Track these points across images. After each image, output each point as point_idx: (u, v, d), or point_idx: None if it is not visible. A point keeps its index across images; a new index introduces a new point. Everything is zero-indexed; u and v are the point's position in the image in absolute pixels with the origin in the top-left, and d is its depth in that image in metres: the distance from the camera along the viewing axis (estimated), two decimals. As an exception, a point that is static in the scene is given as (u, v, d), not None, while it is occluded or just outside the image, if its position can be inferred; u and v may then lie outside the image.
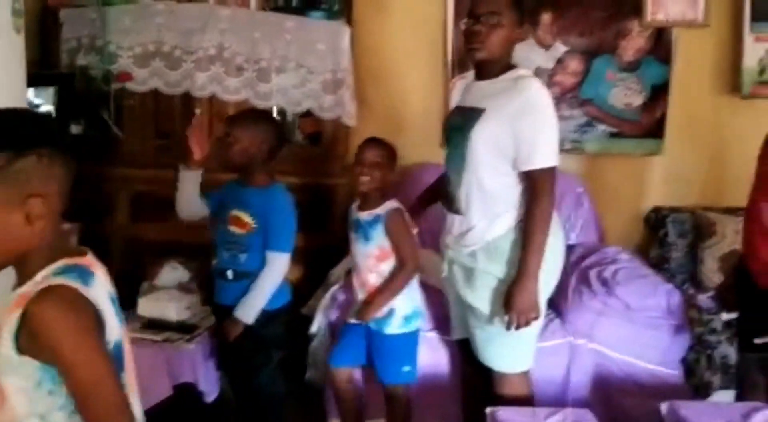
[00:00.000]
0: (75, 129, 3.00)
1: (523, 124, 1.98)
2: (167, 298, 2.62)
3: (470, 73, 2.24)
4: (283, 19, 3.02)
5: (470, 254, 2.16)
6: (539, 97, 2.02)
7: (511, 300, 2.02)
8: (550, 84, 3.44)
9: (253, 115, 2.41)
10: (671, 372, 2.70)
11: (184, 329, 2.57)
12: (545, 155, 2.01)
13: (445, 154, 2.26)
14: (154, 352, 2.38)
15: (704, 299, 2.97)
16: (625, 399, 2.68)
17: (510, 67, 2.10)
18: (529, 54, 3.42)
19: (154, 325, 2.55)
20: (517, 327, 2.04)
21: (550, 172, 2.02)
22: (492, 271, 2.12)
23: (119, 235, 3.10)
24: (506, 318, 2.05)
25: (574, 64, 3.44)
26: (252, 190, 2.25)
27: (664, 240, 3.31)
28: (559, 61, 3.44)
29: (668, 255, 3.27)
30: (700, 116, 3.45)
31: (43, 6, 3.01)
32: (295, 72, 3.02)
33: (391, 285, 2.28)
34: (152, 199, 3.05)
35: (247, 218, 2.24)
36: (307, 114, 3.11)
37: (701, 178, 3.47)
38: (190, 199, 2.27)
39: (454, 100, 2.29)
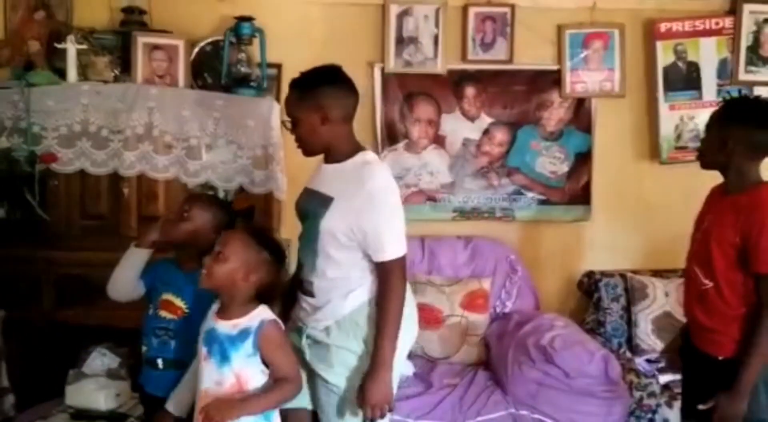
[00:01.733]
0: (-1, 212, 2.90)
1: (370, 218, 1.96)
2: (96, 387, 2.51)
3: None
4: (213, 97, 3.02)
5: (324, 330, 2.07)
6: (382, 188, 2.00)
7: (367, 394, 1.96)
8: (478, 154, 3.54)
9: (215, 201, 2.29)
10: (612, 439, 2.70)
11: (114, 418, 2.46)
12: (393, 246, 2.00)
13: (298, 235, 2.18)
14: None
15: (641, 362, 3.00)
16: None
17: (357, 149, 2.07)
18: (456, 125, 3.53)
19: (83, 416, 2.44)
20: (372, 420, 1.99)
21: (400, 260, 2.01)
22: (347, 347, 2.05)
23: (44, 321, 2.96)
24: (360, 412, 1.99)
25: (500, 135, 3.55)
26: (186, 274, 2.11)
27: (598, 304, 3.37)
28: (485, 132, 3.55)
29: (603, 320, 3.32)
30: (623, 182, 3.59)
31: (-36, 88, 2.94)
32: (225, 148, 3.00)
33: (265, 396, 1.89)
34: (79, 281, 2.94)
35: (179, 302, 2.12)
36: (240, 190, 3.09)
37: (629, 243, 3.58)
38: (128, 278, 2.14)
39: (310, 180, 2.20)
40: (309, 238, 2.08)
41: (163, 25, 3.25)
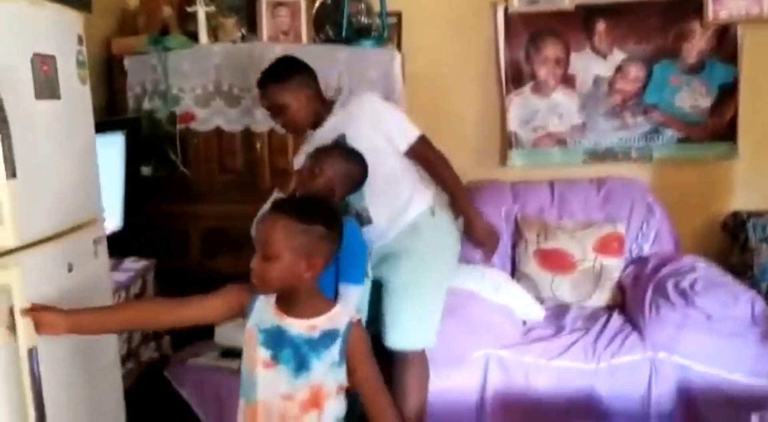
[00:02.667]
0: (145, 170, 3.11)
1: (381, 115, 2.29)
2: (241, 328, 2.66)
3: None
4: (335, 50, 3.06)
5: (391, 241, 2.29)
6: (369, 95, 2.38)
7: (476, 240, 2.37)
8: (610, 92, 3.38)
9: (342, 152, 2.25)
10: (760, 382, 2.54)
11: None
12: (412, 126, 2.33)
13: None
14: (232, 380, 2.41)
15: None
16: (712, 412, 2.55)
17: (331, 105, 2.38)
18: (586, 64, 3.37)
19: (230, 353, 2.58)
20: (492, 254, 2.45)
21: (424, 138, 2.34)
22: (413, 248, 2.27)
23: (193, 270, 3.17)
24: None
25: (635, 71, 3.36)
26: None
27: (745, 246, 3.16)
28: (618, 69, 3.37)
29: (750, 262, 3.11)
30: (774, 115, 3.31)
31: (108, 55, 3.15)
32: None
33: None
34: (222, 233, 3.13)
35: None
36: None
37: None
38: None
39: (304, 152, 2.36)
40: None
41: (286, -19, 3.31)
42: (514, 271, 3.21)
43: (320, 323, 1.56)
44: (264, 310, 1.58)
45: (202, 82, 3.07)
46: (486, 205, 3.20)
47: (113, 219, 2.63)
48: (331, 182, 2.14)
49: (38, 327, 1.49)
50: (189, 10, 3.14)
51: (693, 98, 3.35)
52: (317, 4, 3.26)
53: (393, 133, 2.30)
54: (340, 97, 2.46)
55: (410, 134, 2.32)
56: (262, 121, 3.02)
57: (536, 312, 2.89)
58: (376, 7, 3.24)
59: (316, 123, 2.37)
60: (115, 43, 3.17)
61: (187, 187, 3.14)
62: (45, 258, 1.63)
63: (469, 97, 3.47)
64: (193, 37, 3.14)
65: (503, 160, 3.47)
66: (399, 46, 3.38)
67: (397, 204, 2.28)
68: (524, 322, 2.86)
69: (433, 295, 2.33)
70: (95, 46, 3.11)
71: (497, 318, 2.73)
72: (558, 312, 2.98)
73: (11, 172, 1.39)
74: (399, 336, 2.28)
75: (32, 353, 1.48)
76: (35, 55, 1.56)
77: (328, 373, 1.55)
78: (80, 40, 1.79)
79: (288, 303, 1.57)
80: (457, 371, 2.64)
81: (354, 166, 2.19)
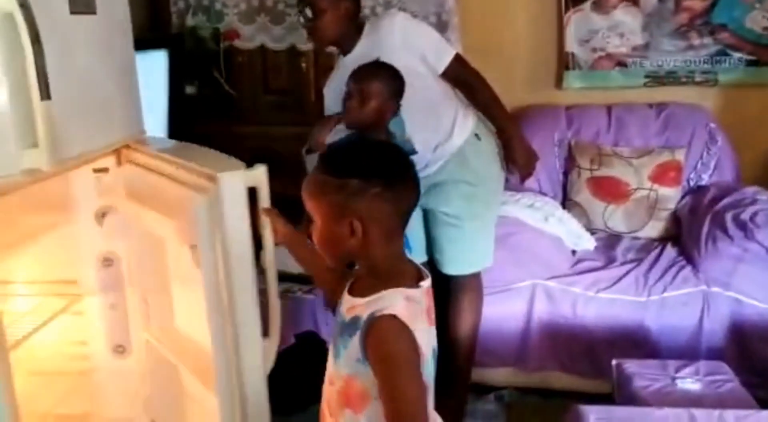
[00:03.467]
0: (189, 89, 3.06)
1: (412, 38, 2.17)
2: (287, 253, 2.67)
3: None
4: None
5: (437, 170, 2.24)
6: (397, 15, 2.23)
7: (513, 162, 2.27)
8: (677, 10, 3.15)
9: (389, 69, 2.09)
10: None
11: (304, 280, 2.59)
12: (445, 48, 2.23)
13: None
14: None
15: None
16: (764, 349, 2.46)
17: (361, 27, 2.22)
18: (652, -23, 3.14)
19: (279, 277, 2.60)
20: (530, 175, 2.33)
21: (459, 56, 2.23)
22: (463, 178, 2.23)
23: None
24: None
25: (704, -13, 3.12)
26: None
27: (813, 177, 3.00)
28: (687, -16, 3.13)
29: (818, 195, 2.95)
30: None
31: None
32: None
33: None
34: (267, 155, 3.08)
35: None
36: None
37: None
38: None
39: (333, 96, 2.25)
40: None
41: None
42: (565, 200, 3.11)
43: (357, 306, 1.25)
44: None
45: (247, -4, 2.98)
46: (538, 130, 3.09)
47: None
48: (381, 107, 2.04)
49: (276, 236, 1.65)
50: None
51: (766, 19, 3.11)
52: None
53: (427, 53, 2.18)
54: (370, 19, 2.35)
55: (446, 54, 2.21)
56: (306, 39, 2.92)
57: (587, 243, 2.81)
58: None
59: (345, 47, 2.24)
60: (158, -45, 3.08)
61: (232, 106, 3.10)
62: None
63: (525, 15, 3.28)
64: (237, -52, 3.03)
65: (559, 82, 3.31)
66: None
67: (440, 131, 2.22)
68: (574, 252, 2.79)
69: (485, 221, 2.34)
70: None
71: (546, 248, 2.66)
72: (609, 243, 2.89)
73: (46, 94, 1.35)
74: (454, 263, 2.33)
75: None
76: (68, -34, 1.49)
77: (355, 368, 1.23)
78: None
79: (359, 277, 1.33)
80: (504, 299, 2.61)
81: (400, 84, 2.08)
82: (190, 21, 3.01)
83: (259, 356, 1.65)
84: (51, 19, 1.42)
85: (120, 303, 1.98)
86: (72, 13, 1.51)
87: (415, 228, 2.24)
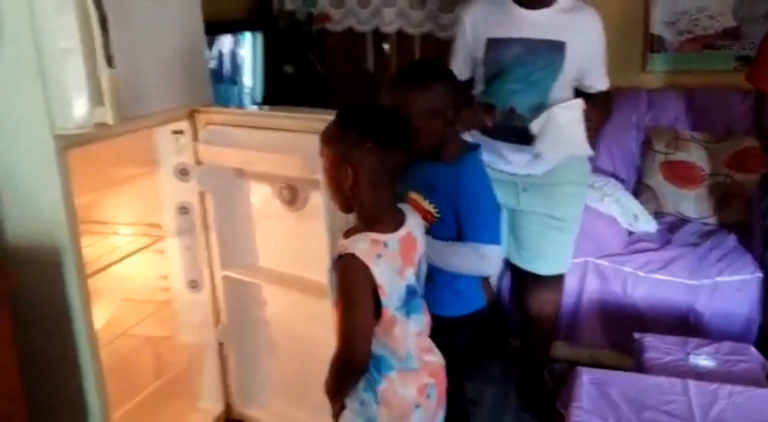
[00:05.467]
0: (288, 69, 3.37)
1: (599, 55, 2.17)
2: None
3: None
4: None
5: (546, 173, 2.19)
6: (599, 19, 2.15)
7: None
8: (772, -8, 3.03)
9: (429, 73, 1.76)
10: None
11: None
12: (606, 78, 2.24)
13: (497, 87, 2.11)
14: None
15: None
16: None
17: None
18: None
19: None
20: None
21: (610, 92, 2.27)
22: (574, 181, 2.23)
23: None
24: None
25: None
26: (436, 165, 1.73)
27: None
28: (784, -35, 3.00)
29: None
30: None
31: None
32: None
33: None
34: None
35: (427, 205, 1.76)
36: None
37: None
38: None
39: (476, 26, 2.14)
40: (537, 86, 2.09)
41: None
42: (639, 183, 3.11)
43: (340, 245, 1.49)
44: None
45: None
46: (616, 113, 3.08)
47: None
48: (430, 128, 1.70)
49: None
50: None
51: None
52: None
53: (594, 71, 2.17)
54: None
55: (604, 82, 2.24)
56: (390, 22, 3.14)
57: (646, 224, 2.82)
58: None
59: None
60: (265, -55, 3.41)
61: (325, 86, 3.37)
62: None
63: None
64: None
65: (644, 65, 3.29)
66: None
67: (570, 138, 2.08)
68: (632, 233, 2.81)
69: (578, 227, 2.35)
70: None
71: (599, 227, 2.70)
72: (674, 227, 2.88)
73: (109, 62, 1.68)
74: (546, 264, 2.36)
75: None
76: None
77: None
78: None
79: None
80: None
81: (445, 89, 1.73)
82: (288, 5, 3.32)
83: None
84: (121, 2, 1.75)
85: (193, 245, 2.32)
86: (141, -2, 1.84)
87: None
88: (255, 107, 2.98)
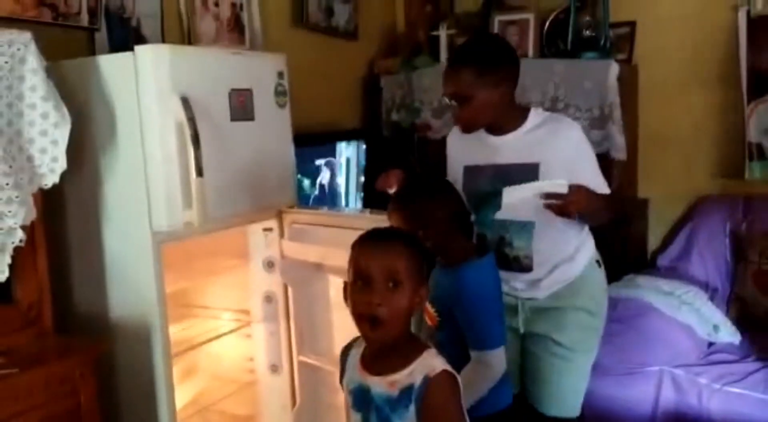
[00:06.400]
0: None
1: (584, 165, 1.95)
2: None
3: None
4: (553, 63, 3.24)
5: (551, 296, 2.02)
6: (577, 130, 1.96)
7: (573, 193, 1.81)
8: None
9: (424, 191, 1.85)
10: None
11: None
12: (603, 184, 1.98)
13: (483, 217, 1.99)
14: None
15: None
16: None
17: (525, 111, 1.99)
18: None
19: None
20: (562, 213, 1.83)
21: (613, 196, 2.03)
22: (582, 306, 2.00)
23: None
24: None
25: None
26: (441, 270, 1.76)
27: None
28: None
29: None
30: None
31: (371, 74, 3.79)
32: (563, 111, 3.20)
33: None
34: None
35: (431, 309, 1.82)
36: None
37: None
38: None
39: (456, 152, 2.15)
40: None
41: (520, 1, 3.58)
42: (731, 292, 3.02)
43: (400, 378, 1.36)
44: (351, 366, 1.47)
45: (438, 96, 3.51)
46: (710, 220, 3.10)
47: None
48: (436, 236, 1.75)
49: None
50: (433, 33, 3.62)
51: None
52: (550, 19, 3.47)
53: (582, 180, 1.88)
54: (540, 111, 2.03)
55: (601, 188, 1.97)
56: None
57: (728, 335, 2.74)
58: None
59: (497, 128, 1.98)
60: (377, 64, 3.80)
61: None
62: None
63: (705, 106, 3.33)
64: (436, 56, 3.62)
65: (740, 172, 3.25)
66: (630, 57, 3.40)
67: (565, 253, 2.00)
68: (712, 343, 2.73)
69: (591, 357, 2.08)
70: (361, 66, 3.80)
71: (675, 335, 2.68)
72: (760, 339, 2.76)
73: (199, 172, 2.02)
74: (556, 402, 2.06)
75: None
76: (232, 90, 2.19)
77: None
78: (280, 76, 2.39)
79: (378, 356, 1.42)
80: (632, 381, 2.68)
81: (448, 203, 1.84)
82: (394, 116, 3.65)
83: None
84: (213, 124, 2.12)
85: (276, 331, 2.60)
86: (232, 120, 2.20)
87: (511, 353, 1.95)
88: (344, 209, 3.28)
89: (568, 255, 2.00)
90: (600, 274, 2.07)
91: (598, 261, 2.07)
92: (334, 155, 3.37)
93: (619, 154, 3.11)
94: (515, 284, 2.03)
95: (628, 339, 2.61)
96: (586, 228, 2.06)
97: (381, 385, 1.38)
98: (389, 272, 1.35)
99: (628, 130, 3.17)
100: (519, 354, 2.09)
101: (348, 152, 3.49)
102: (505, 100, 1.95)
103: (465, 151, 2.08)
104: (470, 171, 2.05)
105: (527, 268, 1.98)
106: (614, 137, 3.12)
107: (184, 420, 2.40)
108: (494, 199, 1.90)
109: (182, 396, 2.46)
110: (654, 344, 2.66)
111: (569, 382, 2.04)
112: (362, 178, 3.51)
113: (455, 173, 2.11)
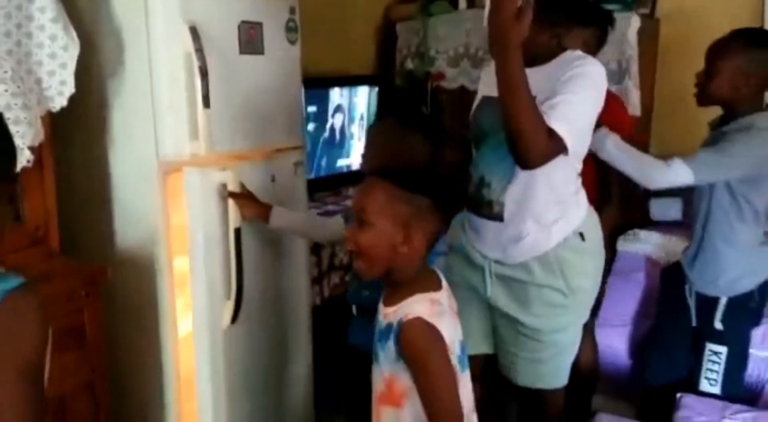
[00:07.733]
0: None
1: (562, 88, 1.71)
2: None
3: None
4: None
5: (521, 266, 1.88)
6: (588, 72, 1.75)
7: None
8: None
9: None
10: None
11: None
12: (560, 118, 1.67)
13: (478, 154, 1.94)
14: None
15: None
16: None
17: (561, 50, 1.84)
18: None
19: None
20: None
21: (557, 140, 1.66)
22: (551, 284, 1.86)
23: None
24: None
25: None
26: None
27: None
28: None
29: None
30: None
31: (387, 21, 3.74)
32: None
33: None
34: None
35: None
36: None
37: None
38: None
39: (483, 82, 2.04)
40: (502, 152, 1.75)
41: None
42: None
43: (389, 313, 1.45)
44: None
45: (454, 44, 3.49)
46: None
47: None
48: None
49: (242, 212, 2.07)
50: (453, -22, 3.57)
51: None
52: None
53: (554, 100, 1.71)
54: (571, 52, 1.84)
55: (552, 113, 1.71)
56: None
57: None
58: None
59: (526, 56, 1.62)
60: (393, 9, 3.74)
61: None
62: (252, 167, 2.27)
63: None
64: (455, 3, 3.56)
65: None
66: (653, 12, 3.33)
67: (540, 217, 1.85)
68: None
69: (569, 334, 1.96)
70: (377, 12, 3.75)
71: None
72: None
73: (206, 104, 2.03)
74: (529, 378, 2.00)
75: (238, 233, 2.12)
76: (242, 22, 2.18)
77: (394, 368, 1.43)
78: (292, 11, 2.37)
79: (392, 288, 1.49)
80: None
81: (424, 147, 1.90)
82: (408, 65, 3.62)
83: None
84: (222, 56, 2.11)
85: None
86: (241, 53, 2.19)
87: (472, 316, 1.94)
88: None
89: (543, 222, 1.85)
90: (581, 249, 1.88)
91: (581, 234, 1.87)
92: (344, 100, 3.36)
93: (634, 110, 3.08)
94: (483, 233, 1.91)
95: (623, 291, 2.61)
96: (573, 199, 1.89)
97: (381, 314, 1.50)
98: (357, 210, 1.47)
99: (644, 86, 3.13)
100: (489, 320, 2.02)
101: (359, 99, 3.48)
102: (541, 36, 1.78)
103: (488, 80, 1.86)
104: (484, 101, 1.97)
105: (498, 216, 1.86)
106: (630, 92, 3.08)
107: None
108: (494, 133, 1.79)
109: (184, 328, 2.50)
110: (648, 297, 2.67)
111: (538, 360, 1.95)
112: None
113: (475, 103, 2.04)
